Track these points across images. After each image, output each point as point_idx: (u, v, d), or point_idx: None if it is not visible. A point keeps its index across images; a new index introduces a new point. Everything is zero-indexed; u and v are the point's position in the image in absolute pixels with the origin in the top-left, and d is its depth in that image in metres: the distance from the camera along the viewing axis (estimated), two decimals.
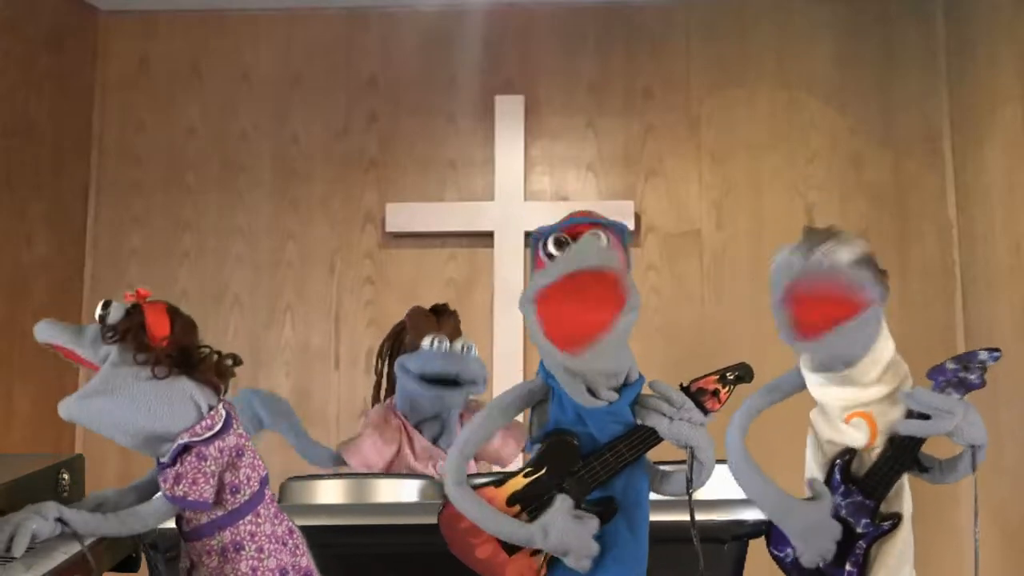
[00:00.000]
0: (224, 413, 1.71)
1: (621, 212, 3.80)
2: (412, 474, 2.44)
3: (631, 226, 3.81)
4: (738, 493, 2.09)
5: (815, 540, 1.85)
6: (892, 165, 3.88)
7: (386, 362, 2.73)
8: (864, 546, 1.89)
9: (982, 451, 1.88)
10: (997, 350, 1.91)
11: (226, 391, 1.77)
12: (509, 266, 3.84)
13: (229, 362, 1.76)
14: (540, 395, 1.78)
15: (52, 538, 1.57)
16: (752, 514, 2.04)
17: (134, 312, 1.68)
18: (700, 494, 1.78)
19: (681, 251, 3.88)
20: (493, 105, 3.96)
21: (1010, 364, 1.95)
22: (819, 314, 1.81)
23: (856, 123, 3.91)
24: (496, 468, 2.64)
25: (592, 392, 1.70)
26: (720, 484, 1.93)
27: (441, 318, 2.69)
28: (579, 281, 1.63)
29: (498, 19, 4.01)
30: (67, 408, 1.65)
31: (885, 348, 1.91)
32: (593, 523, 1.67)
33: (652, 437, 1.73)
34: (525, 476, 1.73)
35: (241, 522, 1.70)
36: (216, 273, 3.95)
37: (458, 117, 4.00)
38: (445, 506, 1.76)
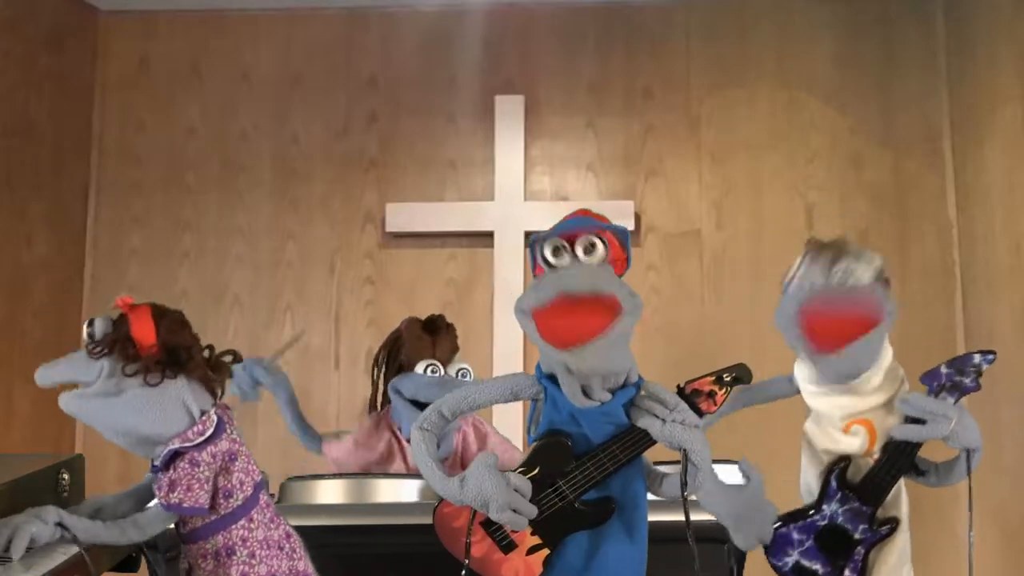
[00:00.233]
0: (216, 418, 1.71)
1: (621, 212, 3.81)
2: (412, 474, 2.43)
3: (631, 226, 3.82)
4: None
5: (748, 525, 1.84)
6: (892, 165, 3.88)
7: (382, 371, 2.71)
8: (863, 552, 1.89)
9: (977, 455, 1.89)
10: (991, 352, 1.91)
11: (223, 392, 1.77)
12: (509, 266, 3.84)
13: (229, 358, 1.76)
14: (528, 391, 1.78)
15: (50, 543, 1.57)
16: None
17: (119, 323, 1.68)
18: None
19: (681, 251, 3.88)
20: (493, 105, 3.96)
21: (1010, 364, 1.95)
22: (836, 330, 1.82)
23: (856, 123, 3.91)
24: None
25: (586, 393, 1.69)
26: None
27: (437, 336, 2.64)
28: (571, 302, 1.68)
29: (498, 19, 4.01)
30: (66, 403, 1.68)
31: (885, 356, 1.92)
32: (517, 479, 1.67)
33: (646, 438, 1.73)
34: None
35: (234, 527, 1.70)
36: (216, 273, 3.95)
37: (458, 117, 4.00)
38: (439, 505, 1.76)
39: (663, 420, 1.70)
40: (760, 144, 3.92)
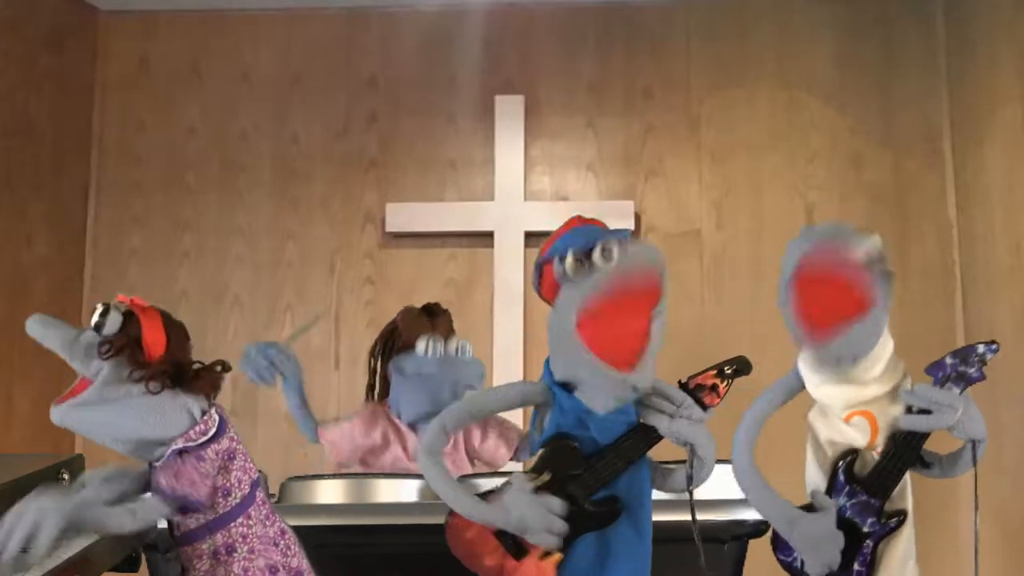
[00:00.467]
0: (217, 417, 1.71)
1: (621, 212, 3.81)
2: (412, 474, 2.44)
3: (631, 226, 3.82)
4: (738, 493, 2.09)
5: (821, 551, 1.85)
6: (892, 165, 3.88)
7: (379, 361, 2.73)
8: (871, 545, 1.89)
9: (982, 445, 1.89)
10: (995, 343, 1.92)
11: (215, 398, 1.76)
12: (509, 266, 3.84)
13: (219, 369, 1.76)
14: (539, 398, 1.78)
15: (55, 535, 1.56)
16: (752, 514, 2.04)
17: (130, 324, 1.66)
18: (700, 494, 1.79)
19: (681, 251, 3.88)
20: (493, 105, 3.96)
21: (1010, 364, 1.95)
22: (829, 307, 1.82)
23: (856, 123, 3.91)
24: (486, 469, 2.64)
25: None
26: (720, 484, 1.93)
27: (434, 319, 2.67)
28: (622, 285, 1.70)
29: (498, 19, 4.01)
30: (60, 415, 1.65)
31: (885, 348, 1.92)
32: (552, 502, 1.67)
33: (653, 435, 1.74)
34: (531, 482, 1.73)
35: (232, 524, 1.70)
36: (216, 273, 3.95)
37: (458, 117, 4.00)
38: (452, 515, 1.75)
39: (670, 416, 1.72)
40: (760, 144, 3.92)
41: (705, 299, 3.86)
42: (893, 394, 1.91)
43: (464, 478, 2.11)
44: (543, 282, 1.78)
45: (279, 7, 4.04)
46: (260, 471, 1.81)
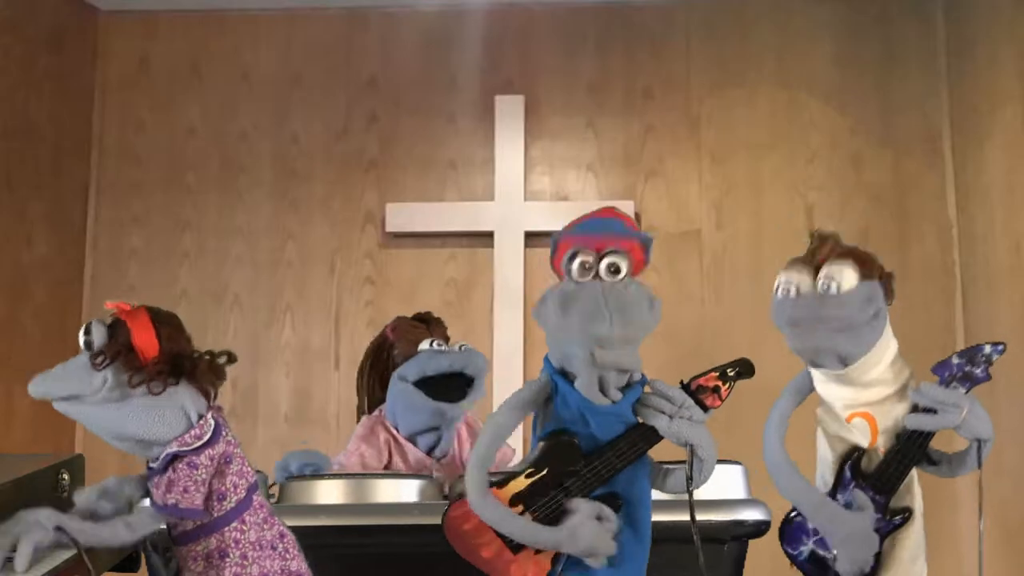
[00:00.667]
0: (213, 422, 1.70)
1: None
2: (412, 474, 2.43)
3: None
4: (738, 493, 2.09)
5: (856, 549, 1.86)
6: (892, 165, 3.88)
7: (365, 378, 2.70)
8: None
9: (988, 445, 1.90)
10: (1002, 344, 1.92)
11: (216, 394, 1.76)
12: (509, 266, 3.84)
13: (223, 360, 1.75)
14: (546, 391, 1.79)
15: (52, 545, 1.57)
16: (752, 514, 2.04)
17: (118, 330, 1.66)
18: (700, 494, 1.79)
19: (681, 251, 3.88)
20: (493, 105, 3.96)
21: (1010, 364, 1.95)
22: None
23: (856, 123, 3.91)
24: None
25: (602, 389, 1.70)
26: (721, 484, 1.93)
27: (429, 326, 2.65)
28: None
29: (498, 19, 4.01)
30: (64, 406, 1.65)
31: (886, 350, 1.92)
32: (612, 524, 1.69)
33: (653, 435, 1.74)
34: (527, 476, 1.74)
35: (226, 529, 1.70)
36: (216, 273, 3.95)
37: (458, 117, 4.00)
38: (449, 508, 1.76)
39: (670, 416, 1.72)
40: (760, 144, 3.92)
41: (705, 299, 3.86)
42: (895, 397, 1.92)
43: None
44: (555, 258, 1.79)
45: (279, 7, 4.04)
46: (259, 471, 1.80)
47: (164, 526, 1.73)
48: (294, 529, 1.80)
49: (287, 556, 1.74)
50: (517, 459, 2.65)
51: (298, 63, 4.06)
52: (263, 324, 3.91)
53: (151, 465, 1.69)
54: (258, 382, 3.81)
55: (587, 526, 1.67)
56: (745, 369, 1.81)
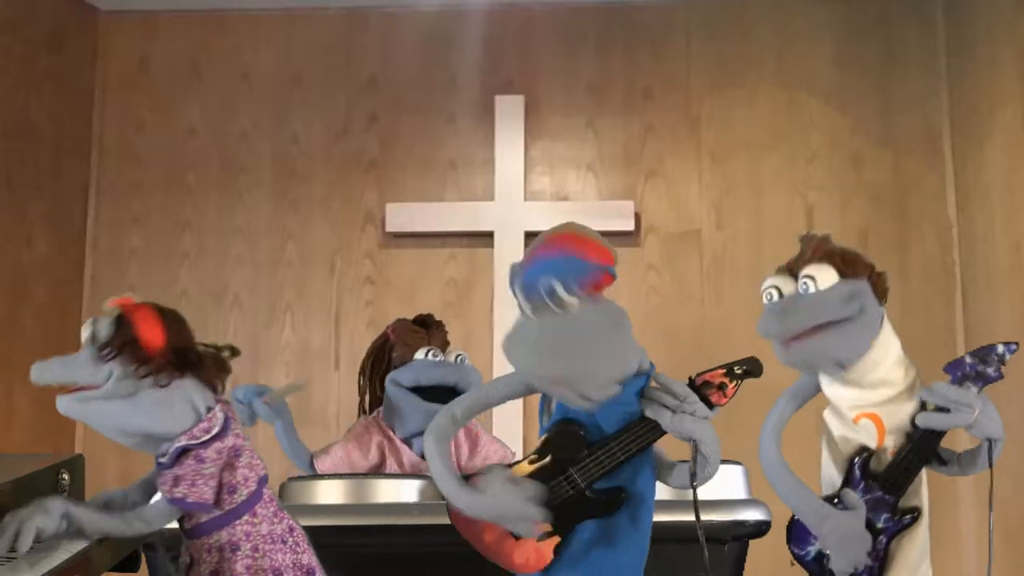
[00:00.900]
0: (222, 416, 1.71)
1: (621, 212, 3.82)
2: (412, 474, 2.43)
3: (631, 226, 3.83)
4: (739, 493, 2.09)
5: (849, 549, 1.86)
6: (892, 165, 3.88)
7: (366, 377, 2.70)
8: (885, 541, 1.90)
9: (999, 444, 1.90)
10: (1015, 343, 1.92)
11: (223, 388, 1.76)
12: (509, 266, 3.83)
13: (227, 354, 1.76)
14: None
15: (56, 535, 1.57)
16: (753, 514, 2.04)
17: (123, 325, 1.66)
18: (701, 494, 1.78)
19: (681, 251, 3.88)
20: (493, 105, 3.96)
21: (1011, 365, 1.95)
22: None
23: (856, 123, 3.91)
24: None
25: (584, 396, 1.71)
26: (721, 484, 1.93)
27: (429, 331, 2.65)
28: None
29: (498, 19, 4.01)
30: (65, 405, 1.66)
31: (888, 350, 1.92)
32: (528, 487, 1.68)
33: (656, 429, 1.74)
34: (530, 463, 1.74)
35: (238, 522, 1.70)
36: (216, 273, 3.95)
37: (458, 117, 4.00)
38: None
39: (673, 411, 1.71)
40: (760, 144, 3.92)
41: (705, 299, 3.86)
42: (902, 397, 1.91)
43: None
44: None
45: (279, 7, 4.04)
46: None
47: (176, 522, 1.74)
48: None
49: (297, 550, 1.75)
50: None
51: (298, 63, 4.06)
52: (263, 324, 3.91)
53: (160, 460, 1.69)
54: (258, 382, 3.80)
55: (494, 485, 1.66)
56: (753, 367, 1.80)
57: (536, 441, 1.80)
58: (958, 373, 1.91)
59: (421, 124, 4.00)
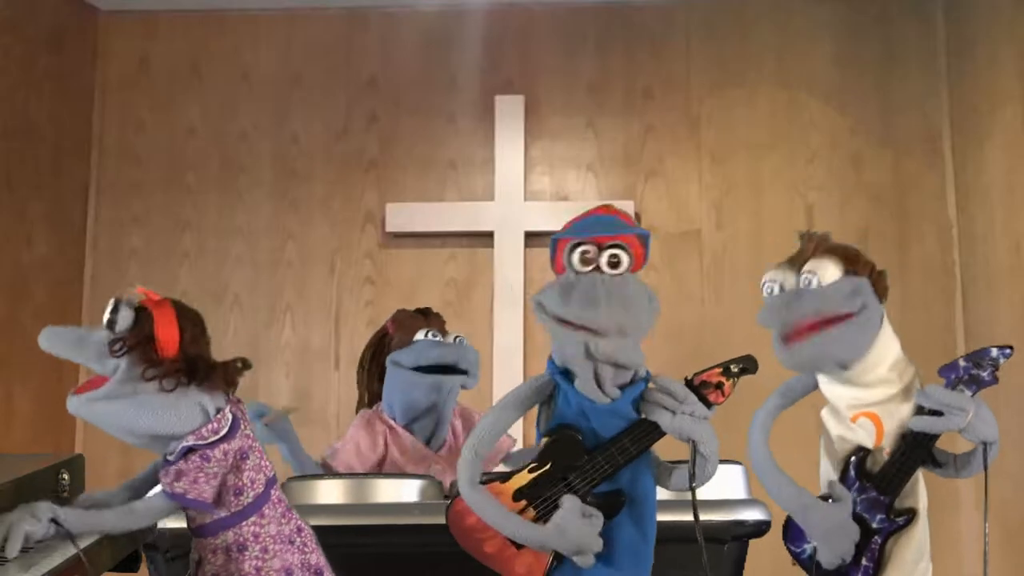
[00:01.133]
0: (231, 416, 1.70)
1: None
2: (412, 474, 2.44)
3: None
4: (739, 493, 2.09)
5: (835, 541, 1.87)
6: (892, 165, 3.88)
7: (365, 370, 2.71)
8: (879, 541, 1.90)
9: (994, 447, 1.90)
10: (1009, 347, 1.92)
11: (234, 392, 1.76)
12: (509, 266, 3.84)
13: (239, 365, 1.75)
14: (548, 390, 1.79)
15: (49, 539, 1.57)
16: (752, 514, 2.04)
17: (143, 319, 1.65)
18: (701, 494, 1.79)
19: (681, 251, 3.88)
20: (493, 105, 3.96)
21: (1011, 365, 1.95)
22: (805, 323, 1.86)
23: (856, 123, 3.91)
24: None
25: (599, 384, 1.70)
26: (721, 484, 1.93)
27: (428, 318, 2.68)
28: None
29: (498, 19, 4.01)
30: (75, 405, 1.65)
31: (887, 350, 1.92)
32: (599, 520, 1.69)
33: (655, 431, 1.74)
34: (530, 471, 1.74)
35: (244, 523, 1.70)
36: (216, 273, 3.95)
37: (458, 117, 4.00)
38: (453, 502, 1.76)
39: (672, 412, 1.72)
40: (760, 144, 3.92)
41: (705, 299, 3.86)
42: (900, 397, 1.92)
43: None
44: (556, 257, 1.80)
45: (279, 7, 4.04)
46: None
47: (184, 521, 1.73)
48: None
49: (306, 550, 1.75)
50: (517, 447, 2.66)
51: (298, 63, 4.06)
52: (263, 324, 3.91)
53: (167, 458, 1.69)
54: (258, 382, 3.81)
55: (573, 522, 1.67)
56: (749, 365, 1.81)
57: (535, 441, 1.80)
58: (952, 376, 1.91)
59: (421, 124, 4.00)
